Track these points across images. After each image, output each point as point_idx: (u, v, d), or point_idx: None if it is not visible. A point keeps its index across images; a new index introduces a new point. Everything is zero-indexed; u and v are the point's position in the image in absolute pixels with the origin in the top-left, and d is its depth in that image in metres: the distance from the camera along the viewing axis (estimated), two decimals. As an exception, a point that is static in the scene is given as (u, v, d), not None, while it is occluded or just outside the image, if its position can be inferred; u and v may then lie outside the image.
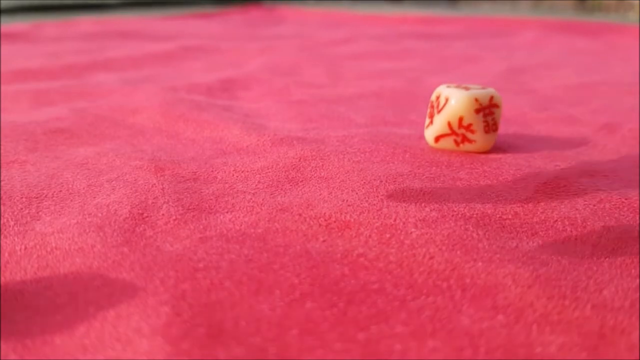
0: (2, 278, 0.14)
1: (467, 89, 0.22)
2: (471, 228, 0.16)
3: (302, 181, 0.19)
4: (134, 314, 0.12)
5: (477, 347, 0.11)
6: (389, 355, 0.11)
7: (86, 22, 0.73)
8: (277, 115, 0.28)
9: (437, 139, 0.22)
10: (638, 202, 0.18)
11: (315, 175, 0.20)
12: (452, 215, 0.16)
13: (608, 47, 0.56)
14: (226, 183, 0.19)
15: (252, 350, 0.11)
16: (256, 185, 0.19)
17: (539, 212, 0.17)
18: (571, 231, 0.16)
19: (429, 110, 0.23)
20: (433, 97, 0.23)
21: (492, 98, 0.22)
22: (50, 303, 0.13)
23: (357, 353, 0.11)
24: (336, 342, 0.11)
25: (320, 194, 0.18)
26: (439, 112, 0.22)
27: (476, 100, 0.22)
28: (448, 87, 0.23)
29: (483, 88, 0.22)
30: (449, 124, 0.22)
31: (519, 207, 0.17)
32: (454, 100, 0.22)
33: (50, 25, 0.69)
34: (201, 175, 0.20)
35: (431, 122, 0.23)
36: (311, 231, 0.16)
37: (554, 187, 0.19)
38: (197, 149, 0.23)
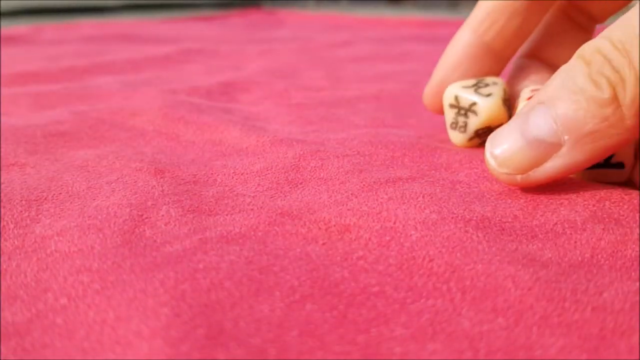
0: (2, 281, 0.14)
1: (479, 86, 0.22)
2: (471, 230, 0.16)
3: (301, 183, 0.19)
4: (133, 316, 0.12)
5: (477, 350, 0.11)
6: (389, 357, 0.11)
7: (86, 25, 0.74)
8: (277, 118, 0.28)
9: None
10: (638, 202, 0.18)
11: (315, 177, 0.20)
12: (452, 218, 0.16)
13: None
14: (226, 185, 0.19)
15: (251, 351, 0.11)
16: (256, 188, 0.19)
17: (538, 215, 0.17)
18: (571, 233, 0.16)
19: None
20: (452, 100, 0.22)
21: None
22: (50, 305, 0.13)
23: (357, 355, 0.11)
24: (336, 344, 0.11)
25: (319, 197, 0.18)
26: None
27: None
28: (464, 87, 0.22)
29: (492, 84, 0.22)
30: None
31: (518, 209, 0.17)
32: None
33: (51, 28, 0.69)
34: (201, 178, 0.20)
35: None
36: (311, 234, 0.16)
37: (554, 188, 0.19)
38: (197, 151, 0.23)
